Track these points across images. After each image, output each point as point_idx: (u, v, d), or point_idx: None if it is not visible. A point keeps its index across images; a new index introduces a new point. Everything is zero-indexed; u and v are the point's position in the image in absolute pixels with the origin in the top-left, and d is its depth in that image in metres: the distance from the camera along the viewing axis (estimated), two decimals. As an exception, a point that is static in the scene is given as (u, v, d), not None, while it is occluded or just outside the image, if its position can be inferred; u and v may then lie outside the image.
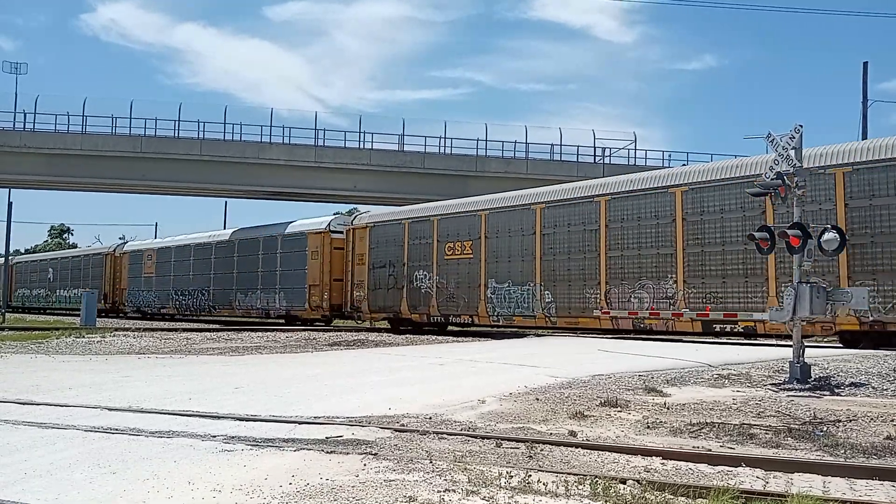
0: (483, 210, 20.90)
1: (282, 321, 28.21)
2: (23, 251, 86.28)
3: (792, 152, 9.93)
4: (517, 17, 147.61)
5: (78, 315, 29.45)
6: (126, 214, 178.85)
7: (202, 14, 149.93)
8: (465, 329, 23.39)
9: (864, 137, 28.27)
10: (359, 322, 25.49)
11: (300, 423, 6.64)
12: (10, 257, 48.25)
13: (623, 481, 4.73)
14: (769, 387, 9.25)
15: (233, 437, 5.95)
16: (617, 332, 17.82)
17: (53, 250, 75.84)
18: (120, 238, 42.34)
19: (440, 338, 20.41)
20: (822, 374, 9.89)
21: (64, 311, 43.97)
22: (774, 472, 5.16)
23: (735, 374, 10.10)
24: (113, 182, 40.15)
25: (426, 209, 23.51)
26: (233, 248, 31.34)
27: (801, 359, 9.55)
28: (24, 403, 7.76)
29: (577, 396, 8.36)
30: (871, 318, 13.23)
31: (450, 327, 23.12)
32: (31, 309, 50.56)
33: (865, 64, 29.73)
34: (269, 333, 21.42)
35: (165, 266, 35.73)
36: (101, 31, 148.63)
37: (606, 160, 40.95)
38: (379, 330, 23.87)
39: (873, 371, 10.25)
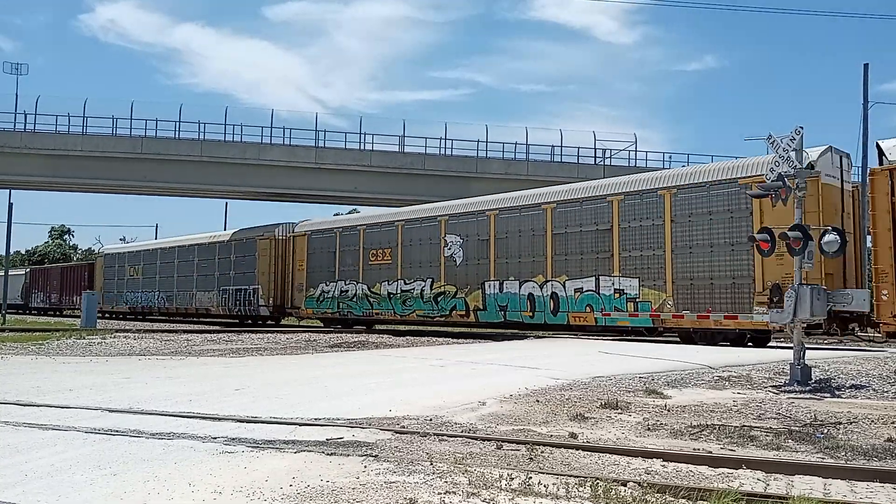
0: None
1: None
2: (23, 252, 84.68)
3: (792, 154, 9.93)
4: (517, 17, 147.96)
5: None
6: (127, 216, 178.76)
7: (201, 14, 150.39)
8: (465, 331, 23.63)
9: (865, 139, 28.19)
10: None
11: (301, 424, 6.64)
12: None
13: (624, 483, 4.73)
14: (770, 389, 9.25)
15: (233, 439, 5.94)
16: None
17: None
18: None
19: (441, 339, 20.42)
20: (822, 377, 9.90)
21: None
22: (775, 474, 5.15)
23: (735, 376, 10.10)
24: (114, 183, 40.14)
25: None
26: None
27: (801, 361, 9.55)
28: (24, 405, 7.75)
29: (578, 398, 8.36)
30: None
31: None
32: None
33: (866, 66, 29.61)
34: (269, 335, 21.43)
35: None
36: (100, 31, 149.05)
37: (607, 161, 40.97)
38: (380, 332, 23.90)
39: (874, 373, 10.26)
